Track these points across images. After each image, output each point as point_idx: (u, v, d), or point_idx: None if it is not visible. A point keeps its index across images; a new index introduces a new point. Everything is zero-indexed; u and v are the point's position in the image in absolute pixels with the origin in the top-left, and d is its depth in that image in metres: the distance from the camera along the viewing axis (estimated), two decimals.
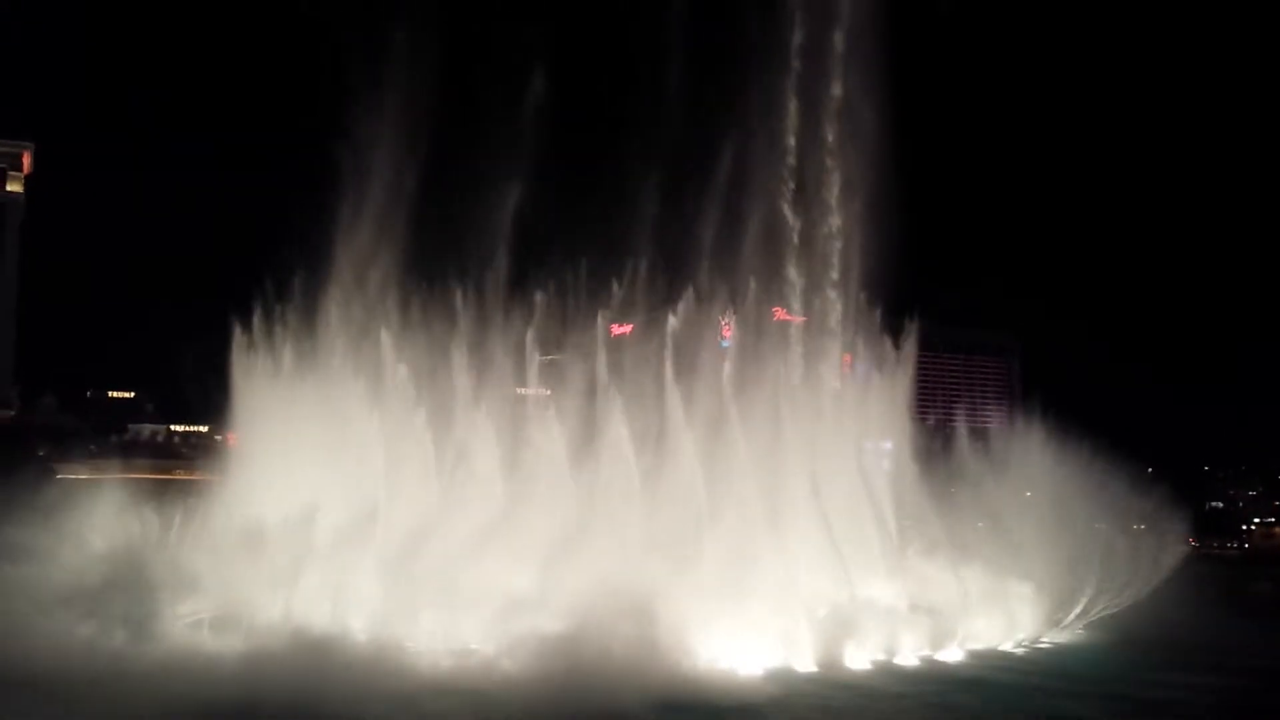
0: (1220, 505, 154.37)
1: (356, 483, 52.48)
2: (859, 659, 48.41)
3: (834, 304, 66.24)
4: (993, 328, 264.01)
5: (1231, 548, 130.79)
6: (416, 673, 42.04)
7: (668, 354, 58.79)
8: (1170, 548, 66.50)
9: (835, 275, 66.67)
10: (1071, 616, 61.27)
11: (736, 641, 46.14)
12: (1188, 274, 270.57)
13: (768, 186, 66.66)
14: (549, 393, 60.73)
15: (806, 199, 66.35)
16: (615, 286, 65.09)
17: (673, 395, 57.63)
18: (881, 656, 49.36)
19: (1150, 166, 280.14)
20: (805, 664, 47.12)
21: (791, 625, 47.65)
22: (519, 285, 62.59)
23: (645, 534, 51.72)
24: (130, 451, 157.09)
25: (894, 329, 66.94)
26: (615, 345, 64.35)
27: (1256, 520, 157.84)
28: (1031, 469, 66.22)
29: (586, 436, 56.11)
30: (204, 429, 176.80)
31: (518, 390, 61.55)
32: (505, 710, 38.10)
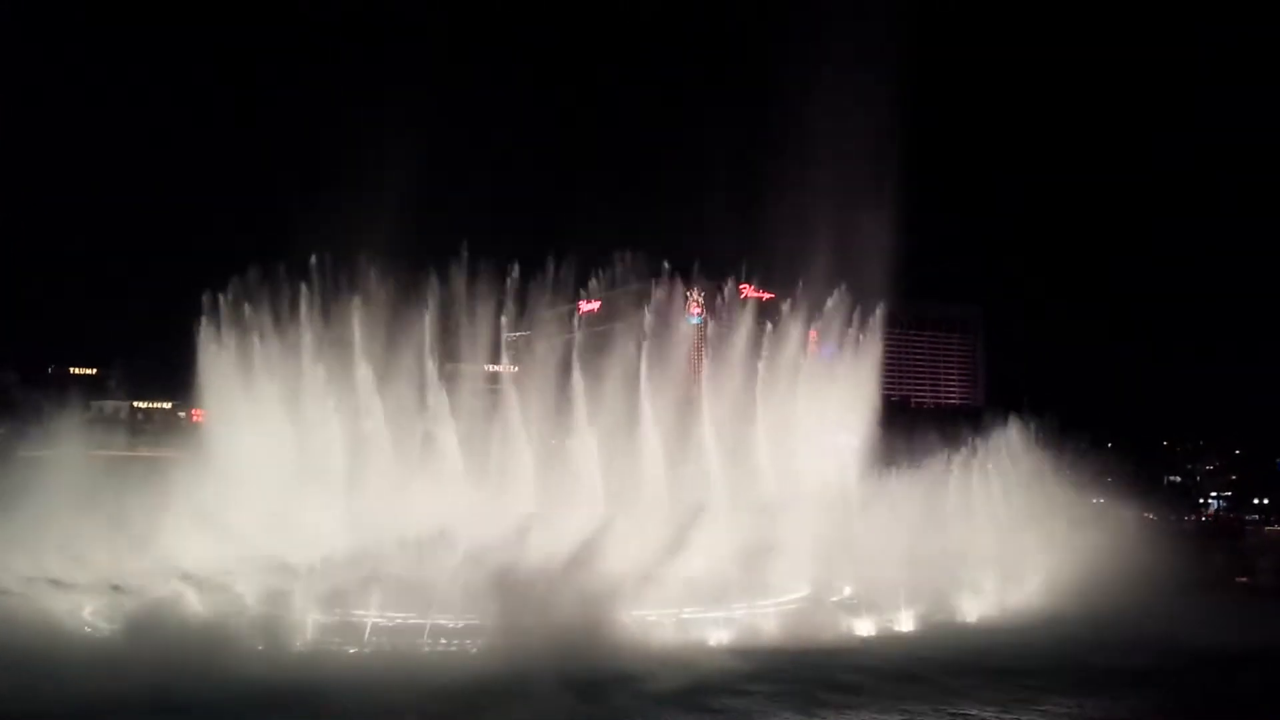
0: (1178, 479, 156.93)
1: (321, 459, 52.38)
2: (823, 632, 49.03)
3: (801, 281, 66.60)
4: (957, 303, 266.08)
5: (1189, 521, 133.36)
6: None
7: (635, 331, 58.95)
8: (1128, 521, 67.87)
9: (803, 253, 67.01)
10: (1031, 590, 62.42)
11: (705, 615, 46.63)
12: (1149, 255, 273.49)
13: (738, 166, 66.87)
14: (516, 369, 60.75)
15: (776, 178, 66.62)
16: (582, 264, 65.20)
17: (640, 372, 57.97)
18: (843, 629, 50.18)
19: (1118, 143, 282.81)
20: (770, 637, 47.77)
21: (758, 600, 48.19)
22: (489, 263, 62.40)
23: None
24: (93, 428, 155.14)
25: (861, 306, 67.40)
26: (583, 322, 64.48)
27: (1214, 494, 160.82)
28: (992, 445, 67.34)
29: (553, 411, 56.28)
30: (168, 405, 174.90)
31: (486, 367, 61.53)
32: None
